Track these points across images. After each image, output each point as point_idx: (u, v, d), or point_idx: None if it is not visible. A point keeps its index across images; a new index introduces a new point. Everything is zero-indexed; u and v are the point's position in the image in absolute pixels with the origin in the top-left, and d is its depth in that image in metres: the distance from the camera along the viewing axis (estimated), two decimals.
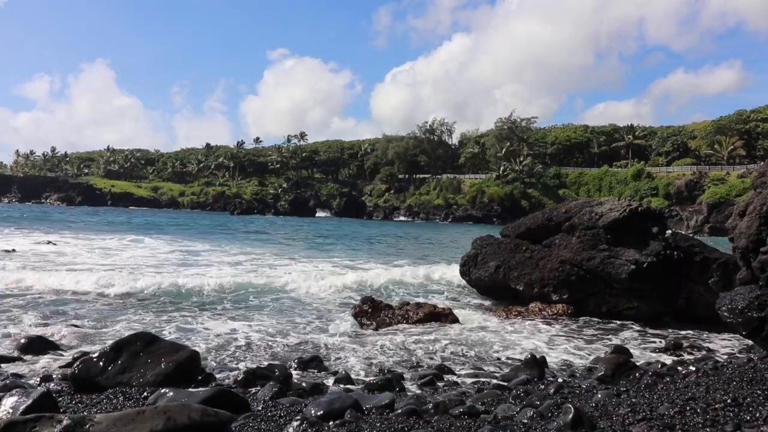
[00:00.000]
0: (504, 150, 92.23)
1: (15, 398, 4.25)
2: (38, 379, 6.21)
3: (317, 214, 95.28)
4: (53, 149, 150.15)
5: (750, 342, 7.70)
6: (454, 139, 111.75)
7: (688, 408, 4.41)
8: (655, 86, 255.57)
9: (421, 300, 12.33)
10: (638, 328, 10.92)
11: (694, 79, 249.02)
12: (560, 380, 6.62)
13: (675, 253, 11.95)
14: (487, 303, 13.36)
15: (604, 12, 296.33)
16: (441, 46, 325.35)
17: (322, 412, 4.63)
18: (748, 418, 4.16)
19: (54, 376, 6.34)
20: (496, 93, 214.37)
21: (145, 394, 5.33)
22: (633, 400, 4.93)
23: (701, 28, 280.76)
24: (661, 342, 9.71)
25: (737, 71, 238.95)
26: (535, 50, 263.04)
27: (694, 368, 6.47)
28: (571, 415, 4.17)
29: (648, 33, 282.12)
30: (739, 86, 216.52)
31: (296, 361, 7.43)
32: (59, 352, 7.66)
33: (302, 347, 8.57)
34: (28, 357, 7.27)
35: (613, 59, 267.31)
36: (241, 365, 7.28)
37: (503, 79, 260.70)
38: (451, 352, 8.48)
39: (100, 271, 14.66)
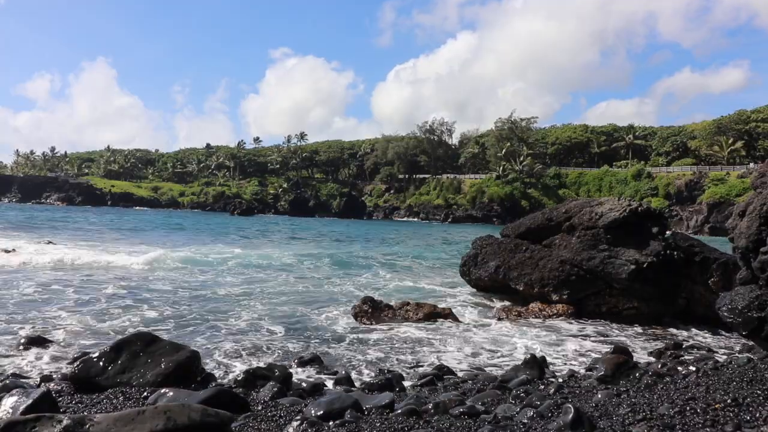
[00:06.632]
0: (504, 150, 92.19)
1: (15, 398, 4.24)
2: (38, 379, 6.21)
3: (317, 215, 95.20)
4: (53, 149, 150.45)
5: (750, 342, 7.70)
6: (454, 139, 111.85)
7: (688, 408, 4.41)
8: (660, 85, 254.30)
9: (421, 299, 12.33)
10: (638, 328, 10.92)
11: (699, 79, 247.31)
12: (560, 380, 6.61)
13: (675, 253, 11.94)
14: (486, 303, 13.35)
15: (611, 8, 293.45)
16: (445, 44, 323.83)
17: (322, 412, 4.63)
18: (748, 418, 4.16)
19: (54, 376, 6.34)
20: (499, 91, 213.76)
21: (145, 394, 5.32)
22: (633, 400, 4.92)
23: (711, 23, 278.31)
24: (661, 342, 9.71)
25: (744, 71, 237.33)
26: (540, 48, 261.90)
27: (694, 368, 6.47)
28: (571, 415, 4.16)
29: (657, 29, 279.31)
30: (745, 86, 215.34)
31: (296, 361, 7.43)
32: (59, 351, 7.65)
33: (303, 347, 8.57)
34: (28, 357, 7.28)
35: (619, 57, 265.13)
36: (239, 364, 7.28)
37: (507, 77, 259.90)
38: (451, 353, 8.48)
39: None
